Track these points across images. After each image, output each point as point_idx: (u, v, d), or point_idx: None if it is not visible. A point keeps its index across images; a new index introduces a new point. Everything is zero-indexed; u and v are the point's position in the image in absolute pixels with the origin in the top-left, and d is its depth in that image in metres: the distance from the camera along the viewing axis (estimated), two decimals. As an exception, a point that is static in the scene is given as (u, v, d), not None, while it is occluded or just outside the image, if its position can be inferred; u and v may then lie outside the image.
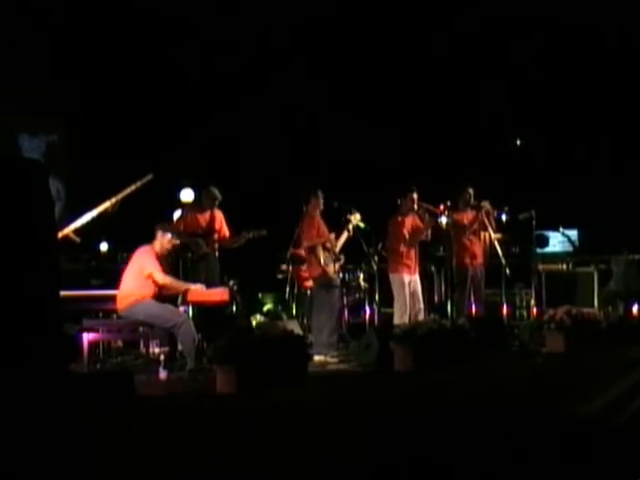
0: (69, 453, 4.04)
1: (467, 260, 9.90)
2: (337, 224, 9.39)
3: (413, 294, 9.55)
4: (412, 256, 9.62)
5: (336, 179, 9.41)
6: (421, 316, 9.29)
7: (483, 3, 12.69)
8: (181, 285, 8.17)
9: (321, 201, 9.18)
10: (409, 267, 9.57)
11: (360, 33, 13.07)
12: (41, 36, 12.04)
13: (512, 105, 13.46)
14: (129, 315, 7.80)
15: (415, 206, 9.65)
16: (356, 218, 9.39)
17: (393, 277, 9.54)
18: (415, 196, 9.64)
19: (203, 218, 9.26)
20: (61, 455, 4.00)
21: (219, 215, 9.36)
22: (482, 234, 10.06)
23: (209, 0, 12.38)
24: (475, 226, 9.99)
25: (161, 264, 8.03)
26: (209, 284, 8.65)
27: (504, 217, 9.86)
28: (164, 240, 8.04)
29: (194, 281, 8.41)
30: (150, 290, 7.83)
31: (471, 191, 10.06)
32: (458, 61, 13.34)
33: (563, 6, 12.35)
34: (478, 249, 10.02)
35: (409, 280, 9.54)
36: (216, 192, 9.25)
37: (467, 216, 10.03)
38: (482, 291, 10.01)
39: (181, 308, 8.32)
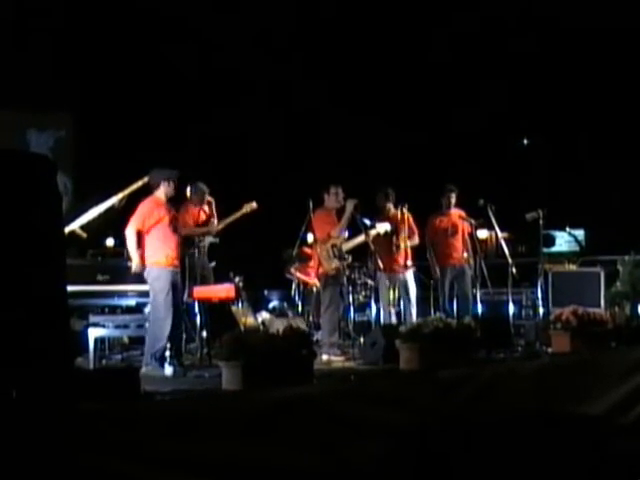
0: (72, 451, 4.04)
1: (445, 261, 10.04)
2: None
3: (401, 294, 9.55)
4: (393, 256, 9.60)
5: (336, 177, 9.36)
6: (413, 317, 9.27)
7: (483, 3, 12.71)
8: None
9: (340, 197, 9.13)
10: (389, 267, 9.54)
11: (360, 33, 13.11)
12: (46, 33, 12.08)
13: (519, 105, 13.46)
14: (145, 275, 7.82)
15: (390, 206, 9.65)
16: (384, 227, 9.37)
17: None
18: (388, 197, 9.65)
19: (200, 212, 9.34)
20: (64, 454, 4.00)
21: (211, 205, 9.44)
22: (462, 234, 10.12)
23: (209, 0, 12.43)
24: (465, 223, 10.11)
25: (170, 210, 7.99)
26: (205, 281, 8.78)
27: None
28: (169, 189, 8.02)
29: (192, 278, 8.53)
30: (155, 249, 7.82)
31: (454, 195, 10.11)
32: (459, 60, 13.36)
33: (563, 6, 12.37)
34: (455, 249, 10.07)
35: (393, 279, 9.52)
36: (204, 187, 9.35)
37: (449, 218, 10.11)
38: (467, 290, 10.02)
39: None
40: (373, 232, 9.31)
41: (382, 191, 9.77)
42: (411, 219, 9.71)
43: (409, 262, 9.63)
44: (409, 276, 9.62)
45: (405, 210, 9.56)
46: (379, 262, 9.28)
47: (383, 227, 9.40)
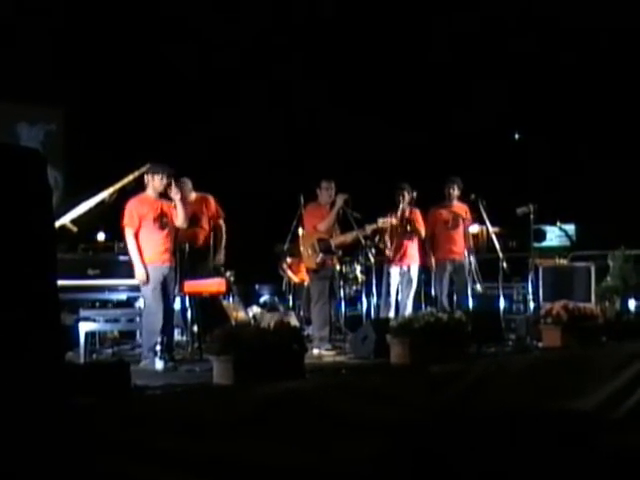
0: (66, 447, 4.03)
1: (445, 254, 9.97)
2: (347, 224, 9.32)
3: (402, 287, 9.58)
4: (400, 248, 9.63)
5: (336, 177, 9.35)
6: (407, 312, 9.27)
7: (483, 3, 12.71)
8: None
9: (332, 191, 9.08)
10: (396, 259, 9.58)
11: (360, 33, 13.10)
12: (42, 27, 12.03)
13: (510, 100, 13.47)
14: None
15: (404, 202, 9.65)
16: (384, 223, 9.36)
17: None
18: (402, 193, 9.65)
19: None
20: (58, 449, 4.00)
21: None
22: (461, 228, 10.08)
23: (209, 0, 12.40)
24: (466, 220, 10.07)
25: (157, 206, 7.82)
26: (203, 275, 8.74)
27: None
28: (155, 183, 7.85)
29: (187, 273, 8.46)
30: (147, 244, 7.70)
31: (456, 186, 10.04)
32: (457, 58, 13.37)
33: (563, 6, 12.38)
34: (455, 242, 10.03)
35: (398, 272, 9.56)
36: (188, 182, 9.25)
37: (451, 211, 10.07)
38: (466, 285, 10.01)
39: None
40: (370, 228, 9.28)
41: (397, 187, 9.75)
42: (420, 217, 9.73)
43: (416, 257, 9.68)
44: (413, 270, 9.66)
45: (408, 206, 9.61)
46: (370, 255, 9.32)
47: (384, 223, 9.39)
